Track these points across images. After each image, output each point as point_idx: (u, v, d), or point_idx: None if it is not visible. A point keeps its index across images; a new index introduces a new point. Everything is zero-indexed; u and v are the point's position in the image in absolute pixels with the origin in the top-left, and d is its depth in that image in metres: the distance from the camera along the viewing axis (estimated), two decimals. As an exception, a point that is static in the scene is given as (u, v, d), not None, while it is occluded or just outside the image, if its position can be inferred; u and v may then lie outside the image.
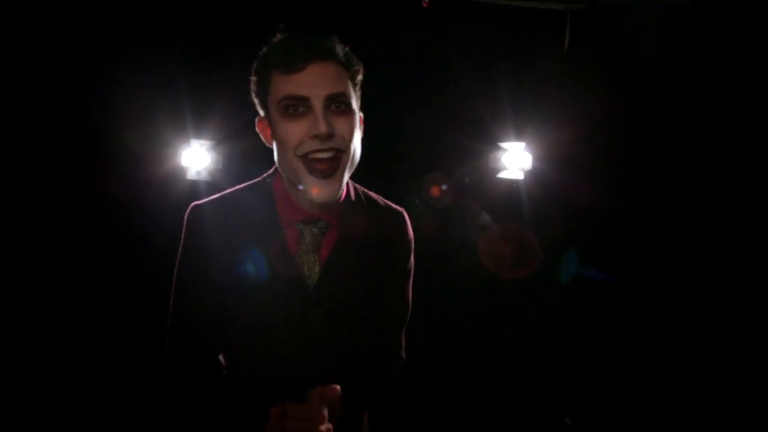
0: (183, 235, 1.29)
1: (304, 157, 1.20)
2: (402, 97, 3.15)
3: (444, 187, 3.22)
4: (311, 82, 1.18)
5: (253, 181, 1.36)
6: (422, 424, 3.03)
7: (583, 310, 3.22)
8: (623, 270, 3.12)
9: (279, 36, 1.25)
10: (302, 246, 1.29)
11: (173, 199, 2.99)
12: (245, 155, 3.01)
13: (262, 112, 1.29)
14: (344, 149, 1.21)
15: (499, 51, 3.24)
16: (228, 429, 1.22)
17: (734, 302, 2.78)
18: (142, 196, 2.98)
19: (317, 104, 1.18)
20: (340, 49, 1.23)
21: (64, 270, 2.91)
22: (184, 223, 1.29)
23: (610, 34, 3.11)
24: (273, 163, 1.31)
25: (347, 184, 1.33)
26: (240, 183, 1.36)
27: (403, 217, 1.42)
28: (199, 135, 3.09)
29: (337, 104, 1.20)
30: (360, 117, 1.29)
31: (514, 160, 3.31)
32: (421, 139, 3.26)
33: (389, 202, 1.43)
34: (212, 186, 2.99)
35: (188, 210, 1.30)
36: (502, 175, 3.35)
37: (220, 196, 1.32)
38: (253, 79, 1.27)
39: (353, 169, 1.27)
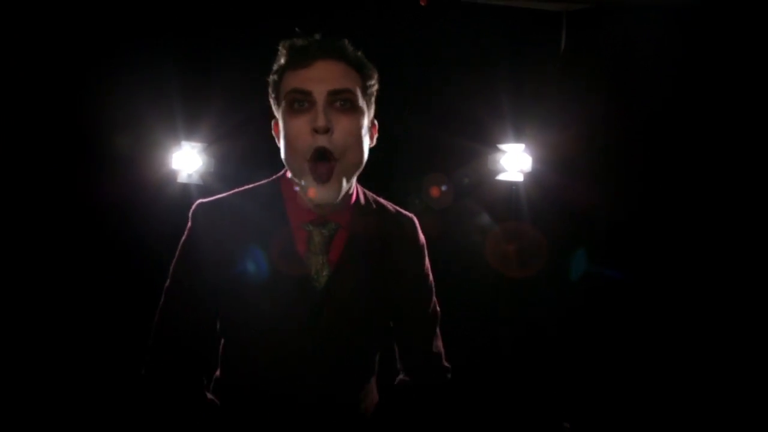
0: (186, 233, 1.28)
1: (310, 161, 1.20)
2: (400, 98, 3.12)
3: (443, 189, 3.19)
4: (317, 77, 1.19)
5: (262, 182, 1.35)
6: (421, 424, 2.97)
7: (584, 312, 3.18)
8: (624, 274, 3.08)
9: (296, 39, 1.26)
10: (311, 247, 1.27)
11: (163, 204, 2.93)
12: (238, 158, 2.97)
13: (277, 115, 1.29)
14: (339, 155, 1.20)
15: (499, 52, 3.22)
16: None
17: (735, 303, 2.76)
18: (131, 199, 2.92)
19: (319, 99, 1.18)
20: (351, 51, 1.24)
21: (51, 274, 2.85)
22: (189, 220, 1.28)
23: (611, 34, 3.09)
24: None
25: (356, 188, 1.34)
26: (233, 187, 1.34)
27: (414, 222, 1.42)
28: (190, 137, 3.03)
29: (342, 102, 1.20)
30: (374, 125, 1.31)
31: (514, 162, 3.27)
32: (419, 140, 3.24)
33: (399, 209, 1.43)
34: (203, 189, 2.94)
35: (193, 207, 1.30)
36: (501, 177, 3.32)
37: (227, 195, 1.32)
38: (270, 80, 1.28)
39: (358, 172, 1.27)
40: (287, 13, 2.69)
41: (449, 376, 1.46)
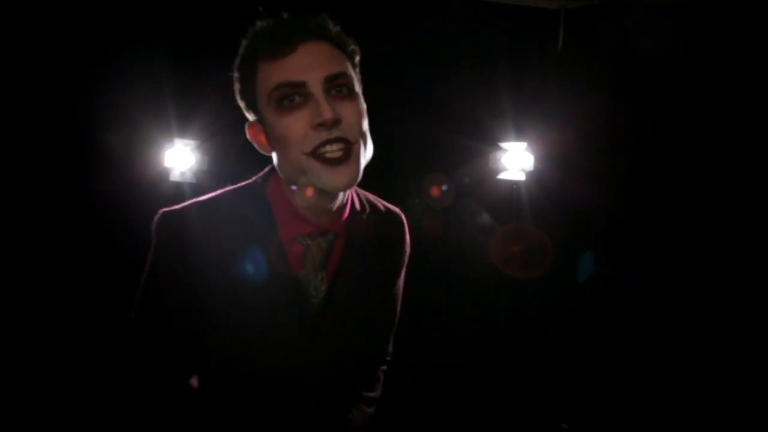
0: (152, 251, 1.07)
1: (314, 154, 1.01)
2: (400, 97, 3.08)
3: (444, 188, 3.14)
4: (305, 64, 1.00)
5: (239, 186, 1.15)
6: (420, 426, 2.97)
7: (584, 312, 3.16)
8: (627, 273, 3.04)
9: (260, 23, 1.06)
10: (308, 264, 1.11)
11: (156, 202, 2.86)
12: (232, 155, 2.93)
13: (251, 117, 1.10)
14: (354, 139, 1.02)
15: (498, 49, 3.18)
16: None
17: (738, 303, 2.72)
18: (123, 197, 2.85)
19: (316, 88, 1.00)
20: (333, 27, 1.06)
21: (42, 273, 2.81)
22: (153, 234, 1.07)
23: (609, 31, 3.06)
24: (263, 162, 1.14)
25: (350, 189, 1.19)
26: (227, 185, 1.16)
27: (402, 220, 1.31)
28: (183, 134, 2.99)
29: (338, 88, 1.02)
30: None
31: (515, 160, 3.22)
32: (419, 138, 3.20)
33: (387, 204, 1.30)
34: (197, 188, 2.89)
35: (157, 218, 1.07)
36: (503, 176, 3.26)
37: (198, 202, 1.10)
38: (236, 76, 1.08)
39: (367, 161, 1.08)
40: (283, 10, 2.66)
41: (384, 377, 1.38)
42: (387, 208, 1.29)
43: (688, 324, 2.84)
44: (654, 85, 2.91)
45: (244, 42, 1.06)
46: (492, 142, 3.26)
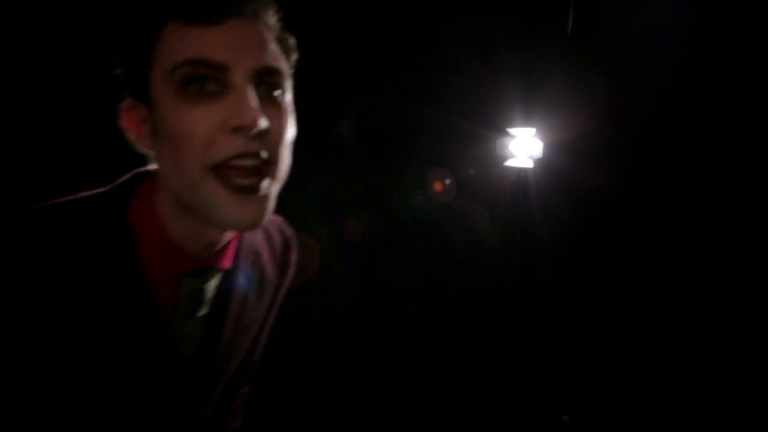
0: None
1: (218, 169, 0.76)
2: (407, 84, 2.99)
3: (446, 183, 3.09)
4: (234, 43, 0.75)
5: (78, 199, 0.82)
6: (419, 422, 2.96)
7: (587, 304, 3.09)
8: (639, 266, 2.97)
9: None
10: (183, 308, 0.86)
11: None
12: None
13: (130, 96, 0.82)
14: (275, 159, 0.79)
15: (509, 32, 3.08)
16: None
17: (749, 295, 2.65)
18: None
19: (241, 78, 0.75)
20: (275, 15, 0.83)
21: None
22: None
23: (623, 14, 2.94)
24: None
25: None
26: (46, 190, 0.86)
27: (293, 245, 1.11)
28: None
29: (271, 87, 0.78)
30: None
31: (523, 147, 3.13)
32: (423, 124, 3.12)
33: (279, 223, 1.09)
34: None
35: None
36: (510, 163, 3.18)
37: (9, 230, 0.77)
38: (132, 33, 0.78)
39: (281, 186, 0.85)
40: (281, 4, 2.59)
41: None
42: (279, 229, 1.09)
43: (695, 315, 2.77)
44: (667, 69, 2.79)
45: None
46: (499, 128, 3.18)
